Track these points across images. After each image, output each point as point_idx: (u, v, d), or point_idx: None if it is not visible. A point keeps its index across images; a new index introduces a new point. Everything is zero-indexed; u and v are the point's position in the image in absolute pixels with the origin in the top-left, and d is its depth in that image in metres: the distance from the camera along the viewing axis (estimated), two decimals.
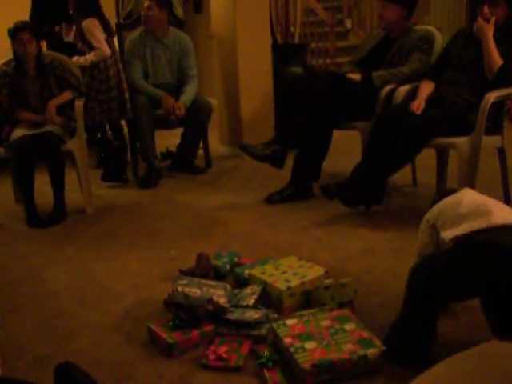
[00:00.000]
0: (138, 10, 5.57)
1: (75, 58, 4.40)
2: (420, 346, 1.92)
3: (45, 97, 3.74)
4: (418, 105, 3.24)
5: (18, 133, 3.60)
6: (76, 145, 3.74)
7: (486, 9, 3.16)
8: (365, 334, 1.95)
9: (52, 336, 2.24)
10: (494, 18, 3.12)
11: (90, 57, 4.45)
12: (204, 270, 2.55)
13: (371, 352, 1.85)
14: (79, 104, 3.79)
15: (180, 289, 2.18)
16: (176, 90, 4.44)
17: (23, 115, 3.72)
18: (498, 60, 3.09)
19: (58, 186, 3.62)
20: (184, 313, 2.12)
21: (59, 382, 1.74)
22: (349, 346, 1.88)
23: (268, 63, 5.02)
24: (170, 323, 2.13)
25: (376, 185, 3.31)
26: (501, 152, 3.37)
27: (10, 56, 3.79)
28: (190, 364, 1.99)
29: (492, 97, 3.06)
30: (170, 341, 2.04)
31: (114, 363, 2.01)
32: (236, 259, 2.71)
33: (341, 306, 2.18)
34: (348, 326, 2.00)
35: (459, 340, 2.03)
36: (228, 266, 2.64)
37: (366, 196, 3.32)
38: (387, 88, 3.62)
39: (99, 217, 3.65)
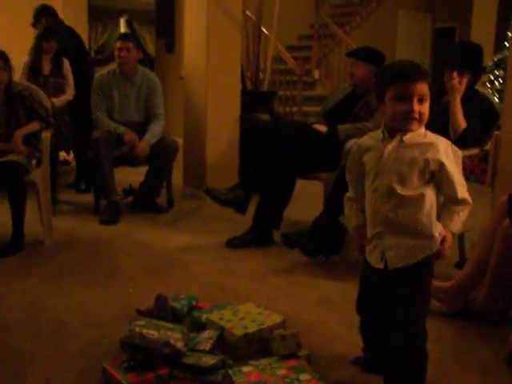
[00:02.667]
0: (109, 45, 5.65)
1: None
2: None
3: (12, 125, 3.72)
4: None
5: None
6: (40, 175, 3.72)
7: (454, 74, 3.30)
8: None
9: (2, 371, 2.19)
10: (465, 82, 3.26)
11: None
12: (162, 311, 2.54)
13: None
14: (46, 135, 3.77)
15: (137, 330, 2.17)
16: (143, 129, 4.47)
17: None
18: (462, 123, 3.22)
19: (17, 215, 3.56)
20: (140, 354, 2.11)
21: None
22: None
23: (237, 108, 5.10)
24: (125, 364, 2.11)
25: (336, 236, 3.37)
26: None
27: None
28: None
29: None
30: (124, 382, 2.02)
31: None
32: (194, 302, 2.71)
33: (294, 357, 2.19)
34: (303, 377, 2.02)
35: None
36: (186, 309, 2.64)
37: (326, 246, 3.37)
38: (352, 141, 3.70)
39: (58, 250, 3.61)
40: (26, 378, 2.15)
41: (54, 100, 4.53)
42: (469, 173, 6.21)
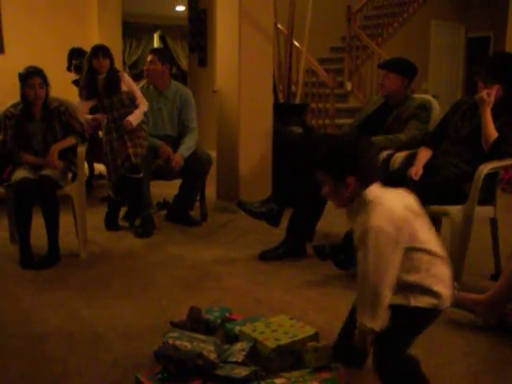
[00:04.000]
0: (143, 60, 5.77)
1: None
2: None
3: (48, 140, 3.81)
4: (417, 171, 3.30)
5: (19, 174, 3.63)
6: (75, 189, 3.79)
7: (480, 84, 3.30)
8: None
9: (38, 381, 2.23)
10: (493, 93, 3.23)
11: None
12: (195, 323, 2.56)
13: None
14: (81, 150, 3.85)
15: (171, 341, 2.19)
16: (176, 143, 4.52)
17: (25, 157, 3.77)
18: (493, 133, 3.18)
19: (52, 229, 3.64)
20: (173, 366, 2.13)
21: None
22: None
23: (269, 121, 5.12)
24: (159, 375, 2.13)
25: None
26: (493, 222, 3.43)
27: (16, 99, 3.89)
28: None
29: (486, 168, 3.14)
30: None
31: None
32: (227, 315, 2.73)
33: (327, 369, 2.19)
34: None
35: None
36: (219, 321, 2.65)
37: None
38: (385, 153, 3.70)
39: (93, 263, 3.66)
40: None
41: (131, 119, 4.24)
42: (505, 183, 6.14)
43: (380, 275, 1.82)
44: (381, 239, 1.82)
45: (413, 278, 1.89)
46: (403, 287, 1.88)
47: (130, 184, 4.28)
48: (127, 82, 4.44)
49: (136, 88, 4.48)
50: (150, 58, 4.61)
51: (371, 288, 1.82)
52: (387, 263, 1.82)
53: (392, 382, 1.94)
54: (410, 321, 1.91)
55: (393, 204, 1.88)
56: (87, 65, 4.38)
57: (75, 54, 5.51)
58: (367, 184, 1.94)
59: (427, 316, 1.94)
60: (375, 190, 1.94)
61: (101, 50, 4.36)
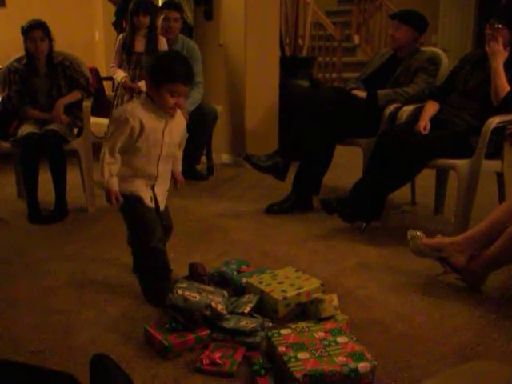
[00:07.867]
0: None
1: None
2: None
3: (53, 95, 3.80)
4: (425, 125, 3.29)
5: (25, 129, 3.63)
6: (82, 144, 3.79)
7: (488, 31, 3.24)
8: (357, 348, 1.98)
9: (49, 332, 2.26)
10: (500, 38, 3.17)
11: None
12: (199, 278, 2.57)
13: (362, 365, 1.88)
14: (87, 104, 3.84)
15: (180, 292, 2.21)
16: None
17: (31, 112, 3.77)
18: (505, 86, 3.13)
19: (59, 184, 3.66)
20: (182, 316, 2.16)
21: (95, 372, 1.73)
22: (341, 359, 1.91)
23: (276, 74, 5.08)
24: (167, 326, 2.16)
25: (375, 202, 3.36)
26: (499, 176, 3.42)
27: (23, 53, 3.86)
28: (184, 367, 2.02)
29: (494, 121, 3.11)
30: (166, 343, 2.07)
31: None
32: (244, 267, 2.75)
33: (332, 320, 2.21)
34: (341, 339, 2.04)
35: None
36: (235, 273, 2.67)
37: (365, 212, 3.36)
38: (392, 107, 3.67)
39: (100, 217, 3.69)
40: (73, 338, 2.22)
41: (141, 84, 4.13)
42: None
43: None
44: None
45: None
46: None
47: None
48: (163, 47, 4.39)
49: None
50: (174, 15, 4.49)
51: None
52: None
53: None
54: None
55: None
56: (130, 21, 4.37)
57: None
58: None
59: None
60: None
61: (141, 7, 4.30)
